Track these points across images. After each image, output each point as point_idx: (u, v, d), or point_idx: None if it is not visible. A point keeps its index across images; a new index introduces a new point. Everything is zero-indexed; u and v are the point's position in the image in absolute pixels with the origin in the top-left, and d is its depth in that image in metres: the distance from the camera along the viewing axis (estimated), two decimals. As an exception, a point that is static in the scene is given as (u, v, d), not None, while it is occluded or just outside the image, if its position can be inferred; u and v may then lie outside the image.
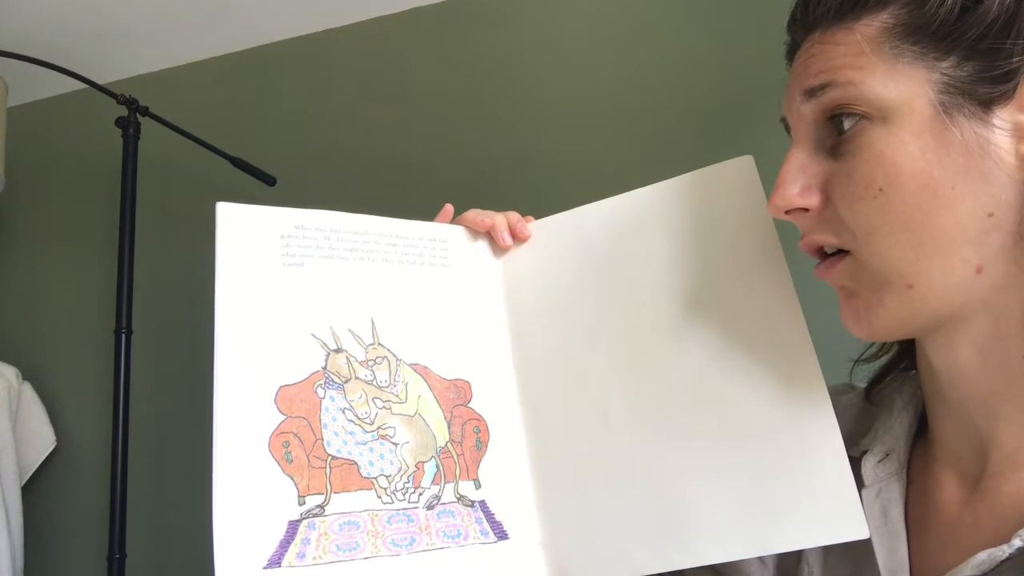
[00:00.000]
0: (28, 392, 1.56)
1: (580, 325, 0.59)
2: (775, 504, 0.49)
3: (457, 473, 0.54)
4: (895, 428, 0.53)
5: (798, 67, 0.48)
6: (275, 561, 0.47)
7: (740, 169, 0.56)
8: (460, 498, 0.54)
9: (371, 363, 0.55)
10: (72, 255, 1.71)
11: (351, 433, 0.52)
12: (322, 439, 0.51)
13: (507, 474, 0.56)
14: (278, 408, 0.51)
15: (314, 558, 0.48)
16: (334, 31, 1.62)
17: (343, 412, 0.53)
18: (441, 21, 1.55)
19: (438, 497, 0.53)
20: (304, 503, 0.49)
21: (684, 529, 0.51)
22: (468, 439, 0.56)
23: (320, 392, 0.53)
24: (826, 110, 0.46)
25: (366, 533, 0.50)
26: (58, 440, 1.58)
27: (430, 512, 0.52)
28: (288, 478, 0.50)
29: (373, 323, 0.56)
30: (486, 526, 0.53)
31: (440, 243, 0.61)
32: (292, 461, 0.50)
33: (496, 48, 1.51)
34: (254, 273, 0.54)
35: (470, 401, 0.57)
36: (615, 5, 1.43)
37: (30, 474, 1.53)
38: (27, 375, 1.58)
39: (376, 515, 0.51)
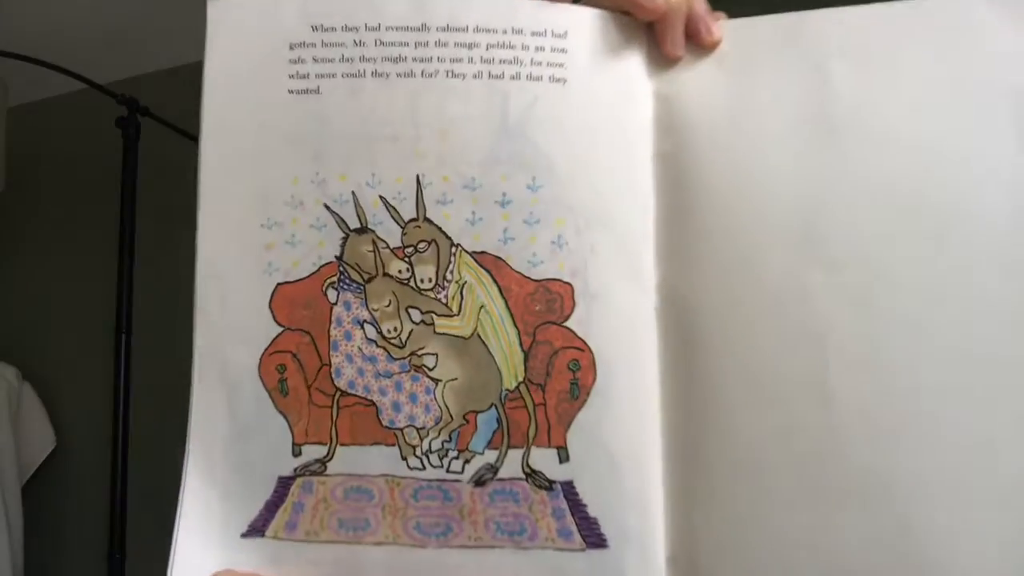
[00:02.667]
0: (28, 392, 1.56)
1: (791, 215, 0.36)
2: None
3: (531, 434, 0.36)
4: None
5: None
6: (257, 527, 0.36)
7: None
8: (531, 474, 0.36)
9: (411, 251, 0.37)
10: (72, 255, 1.70)
11: (371, 359, 0.37)
12: (330, 365, 0.37)
13: (618, 443, 0.36)
14: (274, 316, 0.37)
15: (307, 532, 0.36)
16: (334, 31, 1.62)
17: (362, 327, 0.37)
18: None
19: (494, 468, 0.36)
20: (300, 454, 0.37)
21: None
22: (557, 380, 0.36)
23: (332, 295, 0.37)
24: None
25: (381, 507, 0.36)
26: (58, 440, 1.58)
27: (480, 490, 0.36)
28: (281, 416, 0.37)
29: (419, 184, 0.37)
30: (569, 522, 0.36)
31: (554, 40, 0.37)
32: (287, 393, 0.37)
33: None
34: (247, 109, 0.38)
35: (568, 317, 0.37)
36: None
37: (30, 474, 1.53)
38: (27, 375, 1.58)
39: (398, 483, 0.36)
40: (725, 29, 0.38)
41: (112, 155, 1.35)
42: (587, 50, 0.38)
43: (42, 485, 1.57)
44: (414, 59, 0.37)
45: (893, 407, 0.33)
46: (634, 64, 0.38)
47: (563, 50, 0.37)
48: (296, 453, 0.37)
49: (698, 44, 0.38)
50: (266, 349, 0.37)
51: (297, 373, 0.37)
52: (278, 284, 0.37)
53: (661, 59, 0.38)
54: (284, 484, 0.37)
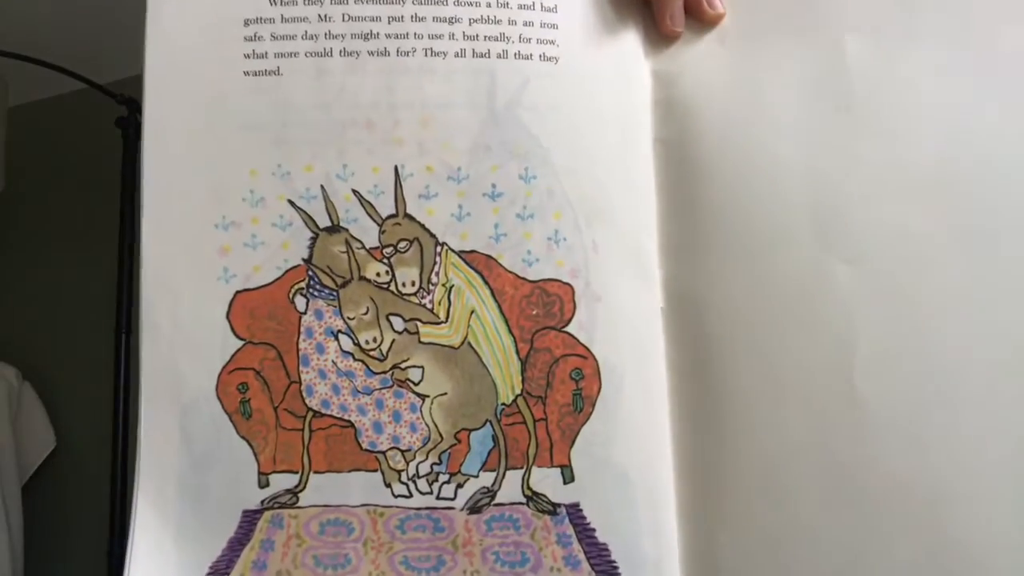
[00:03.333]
0: (28, 392, 1.56)
1: (807, 203, 0.32)
2: None
3: (531, 453, 0.33)
4: None
5: None
6: (220, 569, 0.32)
7: None
8: (533, 497, 0.33)
9: (390, 251, 0.33)
10: (72, 255, 1.70)
11: (347, 375, 0.33)
12: (300, 382, 0.33)
13: (628, 459, 0.33)
14: (232, 328, 0.33)
15: (278, 573, 0.32)
16: (334, 31, 1.62)
17: (335, 338, 0.33)
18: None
19: (491, 492, 0.33)
20: (268, 484, 0.33)
21: None
22: (559, 392, 0.33)
23: (300, 304, 0.33)
24: None
25: (363, 542, 0.33)
26: (58, 440, 1.58)
27: (475, 517, 0.33)
28: (244, 442, 0.33)
29: (398, 176, 0.33)
30: (577, 550, 0.32)
31: (543, 14, 0.34)
32: (251, 416, 0.33)
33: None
34: (197, 93, 0.34)
35: (569, 322, 0.33)
36: None
37: (30, 474, 1.53)
38: (27, 375, 1.57)
39: (381, 514, 0.33)
40: (728, 2, 0.35)
41: (112, 155, 1.35)
42: (580, 26, 0.34)
43: (42, 485, 1.57)
44: (387, 35, 0.33)
45: (927, 408, 0.30)
46: (630, 41, 0.35)
47: (554, 25, 0.33)
48: (263, 483, 0.33)
49: (699, 19, 0.34)
50: (224, 366, 0.33)
51: (262, 393, 0.33)
52: (237, 292, 0.33)
53: (659, 36, 0.35)
54: (250, 519, 0.33)
